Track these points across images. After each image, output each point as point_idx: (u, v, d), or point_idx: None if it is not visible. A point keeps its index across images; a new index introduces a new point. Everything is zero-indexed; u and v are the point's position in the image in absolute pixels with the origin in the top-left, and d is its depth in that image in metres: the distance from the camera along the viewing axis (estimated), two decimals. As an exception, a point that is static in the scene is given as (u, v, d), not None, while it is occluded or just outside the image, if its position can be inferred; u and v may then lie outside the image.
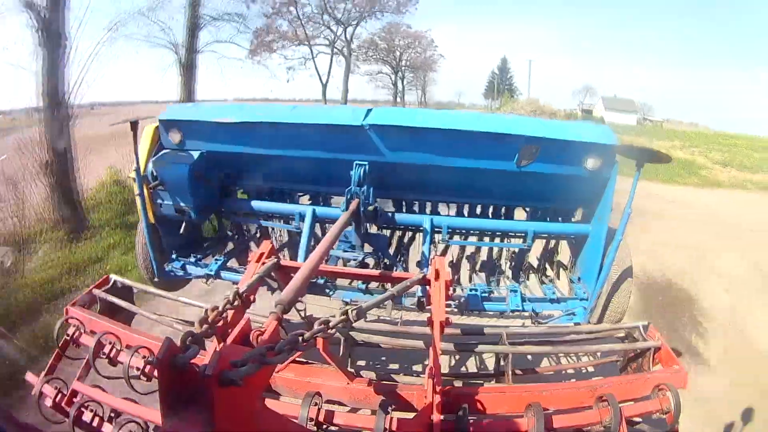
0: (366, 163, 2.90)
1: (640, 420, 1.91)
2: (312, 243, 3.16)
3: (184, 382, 0.95)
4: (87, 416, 2.02)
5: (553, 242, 3.59)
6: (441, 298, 1.96)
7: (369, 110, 2.96)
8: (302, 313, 1.96)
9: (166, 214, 3.31)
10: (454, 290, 3.11)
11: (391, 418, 1.67)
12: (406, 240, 3.66)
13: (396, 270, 3.36)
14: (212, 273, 3.30)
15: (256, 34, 20.75)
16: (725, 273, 6.64)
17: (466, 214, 3.49)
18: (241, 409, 1.01)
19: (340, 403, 1.98)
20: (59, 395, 2.10)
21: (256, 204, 3.45)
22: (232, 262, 3.59)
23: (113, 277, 2.65)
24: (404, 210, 3.45)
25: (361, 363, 3.46)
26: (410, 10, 23.98)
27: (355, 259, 3.14)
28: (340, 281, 3.10)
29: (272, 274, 2.07)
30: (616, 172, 2.83)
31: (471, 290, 3.12)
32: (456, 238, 3.38)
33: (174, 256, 3.44)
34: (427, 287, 2.09)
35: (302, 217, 3.26)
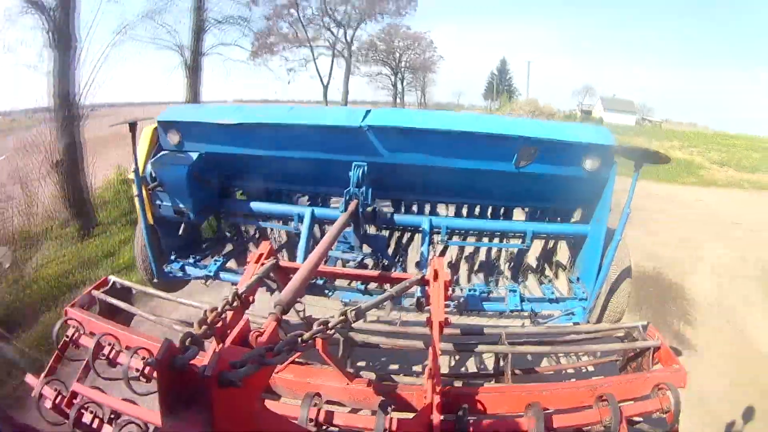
0: (365, 164, 2.90)
1: (641, 419, 1.91)
2: (311, 244, 3.15)
3: (183, 383, 0.95)
4: (87, 418, 2.03)
5: (551, 242, 3.59)
6: (440, 298, 1.96)
7: (367, 111, 2.96)
8: (301, 314, 1.96)
9: (164, 216, 3.31)
10: (453, 290, 3.11)
11: (391, 419, 1.67)
12: (404, 241, 3.66)
13: (395, 271, 3.36)
14: (211, 274, 3.29)
15: (258, 36, 20.80)
16: (714, 262, 7.05)
17: (464, 215, 3.49)
18: (241, 410, 1.01)
19: (340, 404, 1.98)
20: (59, 397, 2.10)
21: (255, 205, 3.45)
22: (231, 263, 3.59)
23: (112, 278, 2.66)
24: (403, 211, 3.46)
25: (361, 363, 3.46)
26: (410, 12, 24.05)
27: (354, 260, 3.14)
28: (339, 282, 3.09)
29: (271, 275, 2.08)
30: (615, 173, 2.84)
31: (470, 290, 3.12)
32: (455, 238, 3.38)
33: (173, 257, 3.44)
34: (426, 288, 2.09)
35: (301, 218, 3.26)
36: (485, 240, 3.50)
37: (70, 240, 6.74)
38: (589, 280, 2.95)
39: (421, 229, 3.20)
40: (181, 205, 3.24)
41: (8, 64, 8.06)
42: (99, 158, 7.95)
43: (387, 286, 2.90)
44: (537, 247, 3.51)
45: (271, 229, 3.80)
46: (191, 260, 3.42)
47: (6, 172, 6.92)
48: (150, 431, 1.97)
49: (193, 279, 3.45)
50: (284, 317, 1.45)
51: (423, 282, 2.08)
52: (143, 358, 1.95)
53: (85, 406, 2.05)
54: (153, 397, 1.06)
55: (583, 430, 1.78)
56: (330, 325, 1.30)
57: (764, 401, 3.55)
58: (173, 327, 2.47)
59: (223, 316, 1.45)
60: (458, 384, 2.26)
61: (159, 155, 3.25)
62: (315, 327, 1.26)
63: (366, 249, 3.19)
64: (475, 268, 3.72)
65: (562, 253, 3.61)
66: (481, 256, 3.73)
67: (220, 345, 1.34)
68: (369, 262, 3.22)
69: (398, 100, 27.06)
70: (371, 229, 3.27)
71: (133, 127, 2.90)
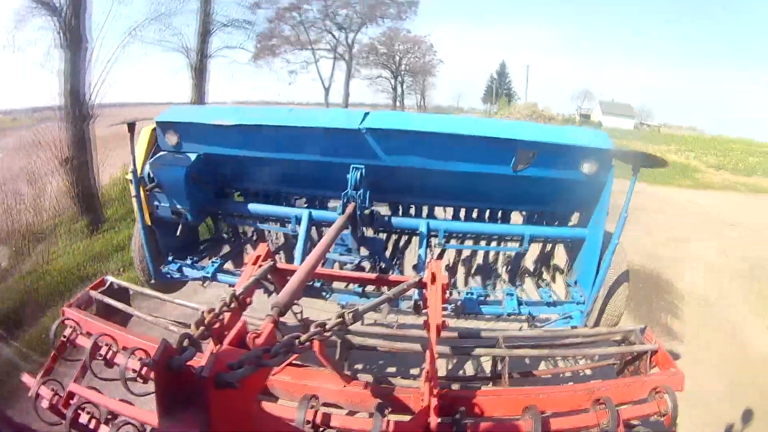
0: (362, 166, 2.90)
1: (638, 423, 1.92)
2: (308, 246, 3.15)
3: (180, 383, 0.94)
4: (84, 418, 2.02)
5: (549, 246, 3.59)
6: (437, 301, 1.96)
7: (366, 114, 2.96)
8: (298, 316, 1.96)
9: (162, 216, 3.31)
10: (451, 294, 3.10)
11: (388, 421, 1.67)
12: (402, 243, 3.66)
13: (392, 273, 3.36)
14: (208, 275, 3.28)
15: (260, 38, 20.86)
16: (702, 258, 7.40)
17: (462, 218, 3.49)
18: (237, 411, 1.00)
19: (337, 406, 1.97)
20: (56, 397, 2.10)
21: (253, 206, 3.45)
22: (229, 265, 3.58)
23: (109, 278, 2.66)
24: (401, 213, 3.46)
25: (358, 366, 3.45)
26: (410, 16, 24.09)
27: (351, 263, 3.14)
28: (336, 284, 3.09)
29: (268, 276, 2.08)
30: (613, 176, 2.84)
31: (467, 294, 3.12)
32: (452, 241, 3.38)
33: (170, 258, 3.43)
34: (424, 291, 2.09)
35: (298, 220, 3.25)
36: (483, 243, 3.50)
37: (80, 235, 7.00)
38: (587, 283, 2.95)
39: (418, 232, 3.20)
40: (178, 206, 3.24)
41: (12, 63, 8.34)
42: (105, 156, 8.13)
43: (384, 288, 2.91)
44: (535, 250, 3.51)
45: (269, 231, 3.79)
46: (189, 261, 3.41)
47: (15, 169, 7.09)
48: (146, 432, 1.97)
49: (191, 280, 3.45)
50: (281, 319, 1.45)
51: (420, 285, 2.08)
52: (140, 359, 1.95)
53: (82, 406, 2.05)
54: (150, 398, 1.06)
55: (580, 433, 1.78)
56: (327, 327, 1.30)
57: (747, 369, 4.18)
58: (170, 328, 2.47)
59: (221, 317, 1.45)
60: (455, 387, 2.27)
61: (157, 156, 3.25)
62: (312, 329, 1.26)
63: (363, 252, 3.18)
64: (473, 271, 3.72)
65: (560, 257, 3.61)
66: (479, 259, 3.73)
67: (218, 346, 1.34)
68: (366, 264, 3.21)
69: (398, 103, 27.07)
70: (369, 232, 3.26)
71: (131, 127, 2.91)
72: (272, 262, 2.07)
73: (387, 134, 2.90)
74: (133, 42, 10.62)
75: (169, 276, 3.38)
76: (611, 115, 28.62)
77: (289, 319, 1.70)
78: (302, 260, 2.76)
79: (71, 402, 2.08)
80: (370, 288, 3.05)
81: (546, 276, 3.64)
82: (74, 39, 7.35)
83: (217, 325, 1.41)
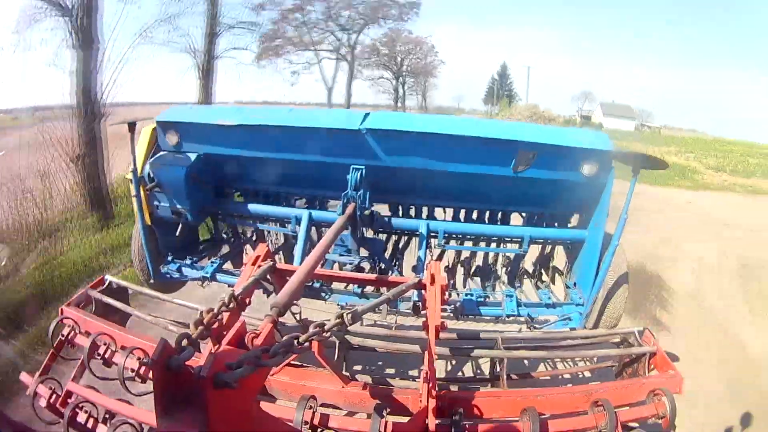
0: (362, 167, 2.90)
1: (636, 425, 1.92)
2: (308, 246, 3.15)
3: (178, 383, 0.94)
4: (81, 417, 2.02)
5: (549, 247, 3.59)
6: (436, 302, 1.96)
7: (366, 114, 2.96)
8: (297, 317, 1.96)
9: (162, 216, 3.30)
10: (450, 295, 3.10)
11: (386, 422, 1.67)
12: (401, 244, 3.66)
13: (392, 274, 3.36)
14: (208, 275, 3.28)
15: (264, 38, 20.91)
16: (696, 256, 7.57)
17: (462, 219, 3.48)
18: (236, 411, 1.00)
19: (335, 407, 1.98)
20: (54, 396, 2.10)
21: (253, 207, 3.44)
22: (228, 265, 3.57)
23: (108, 277, 2.66)
24: (401, 214, 3.46)
25: (357, 367, 3.45)
26: (412, 18, 24.12)
27: (350, 263, 3.13)
28: (335, 285, 3.09)
29: (268, 277, 2.08)
30: (613, 178, 2.84)
31: (467, 295, 3.11)
32: (452, 242, 3.38)
33: (170, 258, 3.43)
34: (423, 292, 2.09)
35: (298, 221, 3.25)
36: (482, 244, 3.50)
37: (92, 229, 7.21)
38: (586, 285, 2.94)
39: (418, 232, 3.20)
40: (178, 206, 3.23)
41: (12, 63, 8.44)
42: (116, 155, 8.22)
43: (384, 289, 2.91)
44: (534, 251, 3.51)
45: (269, 232, 3.79)
46: (188, 261, 3.41)
47: (17, 168, 7.22)
48: (144, 432, 1.97)
49: (190, 280, 3.45)
50: (280, 319, 1.46)
51: (420, 286, 2.08)
52: (139, 358, 1.95)
53: (80, 405, 2.04)
54: (148, 398, 1.06)
55: (578, 435, 1.78)
56: (326, 327, 1.31)
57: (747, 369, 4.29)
58: (169, 328, 2.47)
59: (220, 317, 1.46)
60: (454, 388, 2.26)
61: (157, 156, 3.25)
62: (311, 329, 1.26)
63: (363, 252, 3.18)
64: (472, 272, 3.72)
65: (559, 258, 3.61)
66: (478, 260, 3.73)
67: (216, 346, 1.34)
68: (366, 265, 3.21)
69: (399, 104, 27.09)
70: (368, 233, 3.26)
71: (132, 126, 2.90)
72: (271, 263, 2.07)
73: (387, 135, 2.90)
74: (143, 43, 10.87)
75: (168, 276, 3.38)
76: (612, 117, 28.68)
77: (288, 319, 1.70)
78: (302, 261, 2.76)
79: (69, 401, 2.08)
80: (369, 289, 3.05)
81: (545, 277, 3.64)
82: (86, 39, 7.51)
83: (216, 325, 1.42)
